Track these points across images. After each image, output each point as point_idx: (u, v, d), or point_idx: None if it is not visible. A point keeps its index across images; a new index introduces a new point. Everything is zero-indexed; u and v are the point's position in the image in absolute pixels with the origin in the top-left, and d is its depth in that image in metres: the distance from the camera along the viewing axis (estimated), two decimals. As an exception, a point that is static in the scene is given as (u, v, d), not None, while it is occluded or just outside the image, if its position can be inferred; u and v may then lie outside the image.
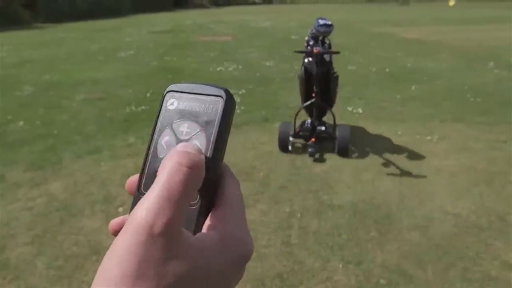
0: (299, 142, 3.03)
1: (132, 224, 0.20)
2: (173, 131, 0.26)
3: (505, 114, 3.86)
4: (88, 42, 10.69)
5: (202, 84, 0.27)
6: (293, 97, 4.61)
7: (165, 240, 0.19)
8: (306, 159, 2.86)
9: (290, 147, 2.91)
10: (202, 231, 0.24)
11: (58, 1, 23.14)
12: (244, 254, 0.23)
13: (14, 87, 5.38)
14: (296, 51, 2.99)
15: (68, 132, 3.53)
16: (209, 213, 0.25)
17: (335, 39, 8.42)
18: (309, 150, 2.84)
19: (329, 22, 2.92)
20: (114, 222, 0.25)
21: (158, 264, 0.19)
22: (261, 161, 2.80)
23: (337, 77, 3.02)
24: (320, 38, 3.02)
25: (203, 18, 21.01)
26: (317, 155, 2.86)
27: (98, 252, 1.87)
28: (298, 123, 2.98)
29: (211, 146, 0.25)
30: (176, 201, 0.20)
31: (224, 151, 0.26)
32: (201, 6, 44.17)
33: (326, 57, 2.91)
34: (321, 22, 2.92)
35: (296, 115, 2.91)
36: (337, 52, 2.83)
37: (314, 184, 2.49)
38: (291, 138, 2.89)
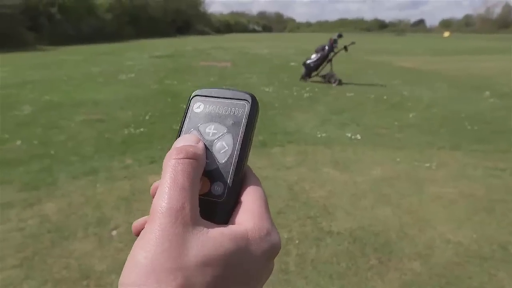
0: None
1: (154, 214, 0.22)
2: (200, 133, 0.27)
3: (502, 142, 3.88)
4: (90, 65, 10.85)
5: (228, 89, 0.29)
6: (291, 123, 4.64)
7: (184, 223, 0.21)
8: (305, 185, 2.83)
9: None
10: (228, 224, 0.24)
11: (62, 25, 23.71)
12: (272, 247, 0.24)
13: (13, 106, 5.39)
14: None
15: (65, 153, 3.50)
16: (235, 207, 0.26)
17: (333, 67, 8.54)
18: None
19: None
20: (137, 223, 0.26)
21: (180, 245, 0.20)
22: (259, 185, 2.77)
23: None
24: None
25: (203, 44, 21.47)
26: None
27: (88, 277, 1.80)
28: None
29: (237, 146, 0.26)
30: (184, 188, 0.23)
31: (249, 151, 0.27)
32: (202, 32, 45.32)
33: None
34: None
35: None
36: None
37: (313, 210, 2.45)
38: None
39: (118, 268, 1.85)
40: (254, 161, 3.23)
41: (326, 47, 7.66)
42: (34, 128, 4.32)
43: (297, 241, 2.10)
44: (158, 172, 3.14)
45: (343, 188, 2.78)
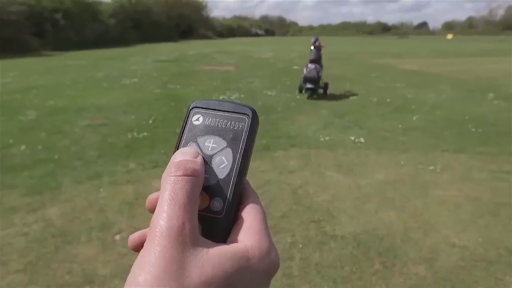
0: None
1: (154, 233, 0.22)
2: (198, 146, 0.27)
3: (507, 144, 3.85)
4: (94, 70, 10.91)
5: (228, 102, 0.28)
6: (294, 126, 4.63)
7: (184, 243, 0.21)
8: (308, 188, 2.82)
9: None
10: (228, 242, 0.24)
11: (67, 31, 23.90)
12: (272, 265, 0.24)
13: (18, 111, 5.43)
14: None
15: (69, 157, 3.51)
16: (233, 224, 0.25)
17: (335, 71, 8.53)
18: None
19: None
20: (133, 237, 0.26)
21: (180, 266, 0.20)
22: (261, 190, 2.76)
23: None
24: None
25: (206, 48, 21.56)
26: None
27: (91, 281, 1.80)
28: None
29: (237, 162, 0.26)
30: (184, 206, 0.22)
31: (249, 165, 0.27)
32: (205, 37, 45.54)
33: None
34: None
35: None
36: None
37: (316, 214, 2.44)
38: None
39: (121, 272, 1.85)
40: (257, 165, 3.23)
41: (319, 54, 6.90)
42: (38, 133, 4.35)
43: (300, 245, 2.09)
44: (161, 177, 3.14)
45: (347, 192, 2.77)
